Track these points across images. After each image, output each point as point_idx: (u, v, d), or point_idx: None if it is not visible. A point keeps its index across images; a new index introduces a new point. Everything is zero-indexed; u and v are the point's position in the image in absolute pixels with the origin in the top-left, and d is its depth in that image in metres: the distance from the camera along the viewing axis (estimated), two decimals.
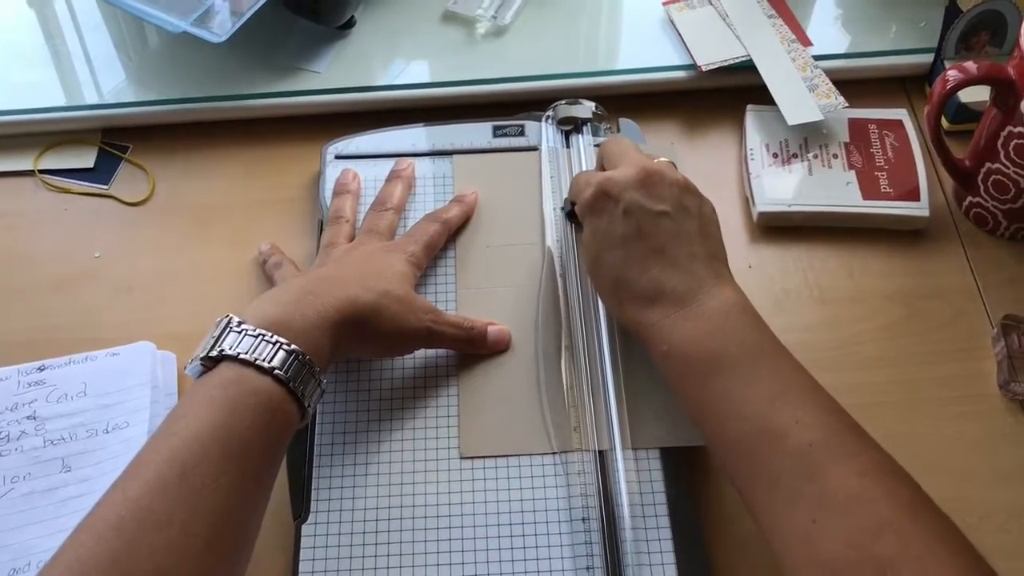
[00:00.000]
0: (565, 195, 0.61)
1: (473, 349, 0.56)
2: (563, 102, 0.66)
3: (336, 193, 0.63)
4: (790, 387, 0.44)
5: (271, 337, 0.44)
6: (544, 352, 0.56)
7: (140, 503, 0.39)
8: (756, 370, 0.44)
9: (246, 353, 0.44)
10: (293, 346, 0.45)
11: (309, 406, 0.46)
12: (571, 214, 0.60)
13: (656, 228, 0.49)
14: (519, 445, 0.53)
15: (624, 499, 0.50)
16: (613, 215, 0.50)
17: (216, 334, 0.45)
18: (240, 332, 0.45)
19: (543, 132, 0.65)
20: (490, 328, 0.56)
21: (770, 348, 0.46)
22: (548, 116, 0.66)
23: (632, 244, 0.49)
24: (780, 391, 0.43)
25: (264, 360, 0.44)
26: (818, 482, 0.40)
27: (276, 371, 0.44)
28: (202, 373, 0.45)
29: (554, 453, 0.52)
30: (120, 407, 0.55)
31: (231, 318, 0.46)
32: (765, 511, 0.42)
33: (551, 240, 0.60)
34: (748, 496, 0.44)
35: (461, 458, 0.52)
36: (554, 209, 0.61)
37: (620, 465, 0.51)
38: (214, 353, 0.44)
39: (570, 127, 0.65)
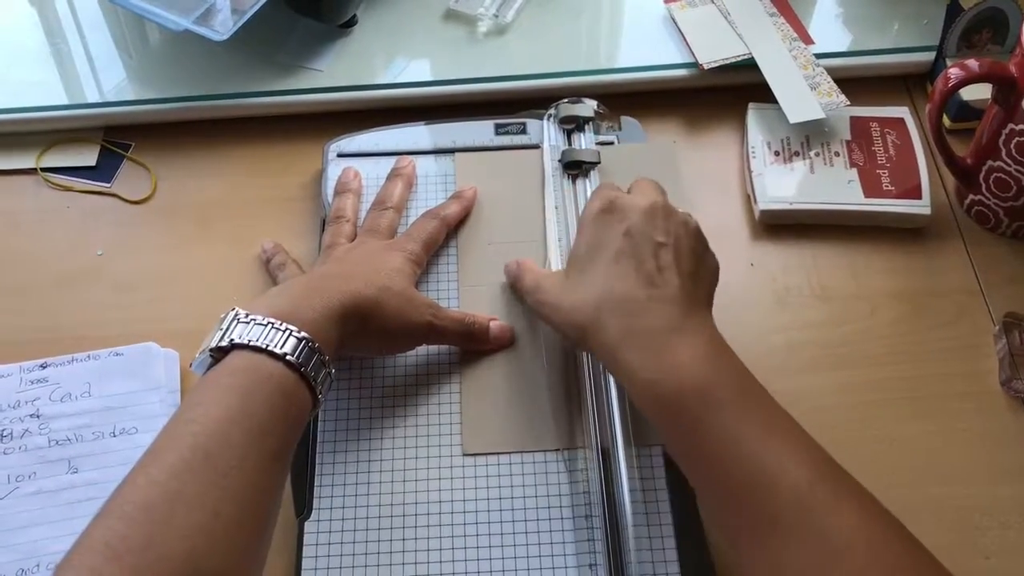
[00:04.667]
0: (568, 202, 0.61)
1: (475, 345, 0.56)
2: (565, 101, 0.66)
3: (337, 192, 0.63)
4: (778, 425, 0.43)
5: (281, 325, 0.45)
6: (547, 348, 0.56)
7: (169, 486, 0.39)
8: (746, 408, 0.43)
9: (257, 340, 0.44)
10: (303, 333, 0.45)
11: (321, 394, 0.46)
12: (569, 164, 0.61)
13: (652, 255, 0.47)
14: (521, 442, 0.53)
15: (627, 496, 0.50)
16: (614, 230, 0.49)
17: (224, 326, 0.45)
18: (248, 322, 0.45)
19: (545, 131, 0.65)
20: (492, 324, 0.56)
21: (755, 386, 0.45)
22: (550, 115, 0.66)
23: (625, 262, 0.47)
24: (770, 429, 0.43)
25: (276, 346, 0.44)
26: (820, 522, 0.39)
27: (288, 356, 0.44)
28: (211, 366, 0.45)
29: (557, 450, 0.52)
30: (126, 411, 0.55)
31: (237, 311, 0.46)
32: (765, 555, 0.40)
33: (552, 237, 0.60)
34: (744, 540, 0.42)
35: (464, 455, 0.52)
36: (555, 207, 0.61)
37: (623, 462, 0.51)
38: (224, 343, 0.44)
39: (572, 126, 0.65)
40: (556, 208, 0.61)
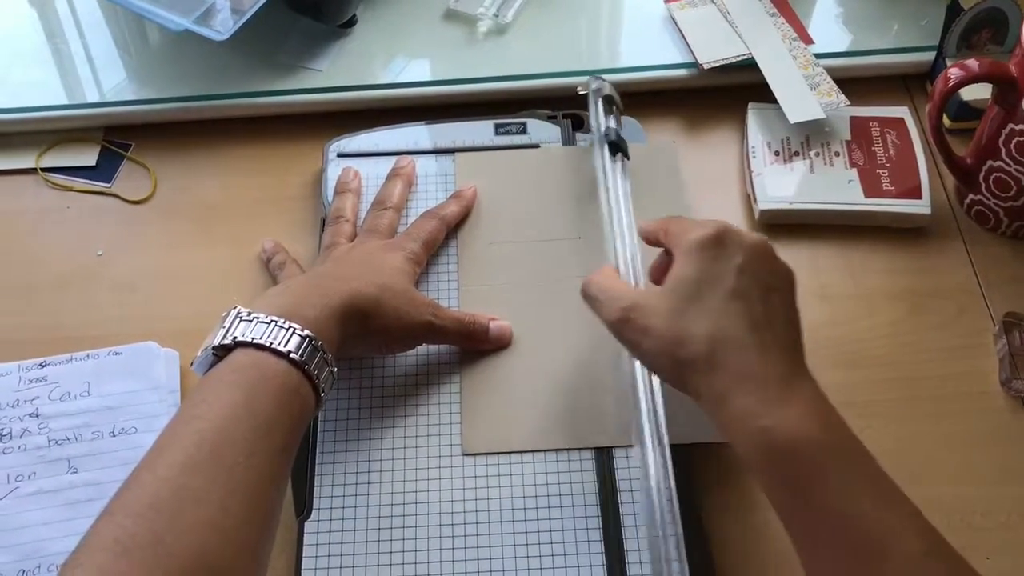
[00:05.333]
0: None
1: (474, 344, 0.56)
2: (598, 77, 0.64)
3: (337, 192, 0.63)
4: (888, 488, 0.42)
5: (284, 323, 0.45)
6: (546, 349, 0.56)
7: (176, 482, 0.39)
8: (858, 467, 0.42)
9: (260, 338, 0.44)
10: (306, 331, 0.45)
11: (323, 393, 0.46)
12: (615, 144, 0.60)
13: (762, 299, 0.45)
14: (521, 442, 0.53)
15: (629, 496, 0.50)
16: (727, 265, 0.45)
17: (226, 324, 0.45)
18: (251, 320, 0.45)
19: (592, 107, 0.63)
20: (492, 324, 0.56)
21: (862, 445, 0.43)
22: (595, 89, 0.64)
23: (738, 303, 0.44)
24: (881, 491, 0.41)
25: (279, 344, 0.44)
26: None
27: (292, 354, 0.44)
28: (212, 364, 0.45)
29: (556, 450, 0.52)
30: (126, 410, 0.55)
31: (239, 309, 0.46)
32: None
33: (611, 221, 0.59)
34: None
35: (463, 455, 0.52)
36: (607, 188, 0.59)
37: (623, 461, 0.51)
38: (227, 341, 0.44)
39: (610, 106, 0.64)
40: (608, 189, 0.59)
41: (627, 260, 0.54)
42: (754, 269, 0.45)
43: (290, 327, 0.45)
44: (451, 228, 0.61)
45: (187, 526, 0.37)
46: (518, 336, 0.56)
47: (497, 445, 0.53)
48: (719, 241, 0.46)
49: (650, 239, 0.50)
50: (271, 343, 0.44)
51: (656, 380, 0.51)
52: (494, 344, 0.56)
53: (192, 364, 0.46)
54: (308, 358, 0.44)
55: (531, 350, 0.56)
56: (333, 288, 0.49)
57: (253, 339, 0.44)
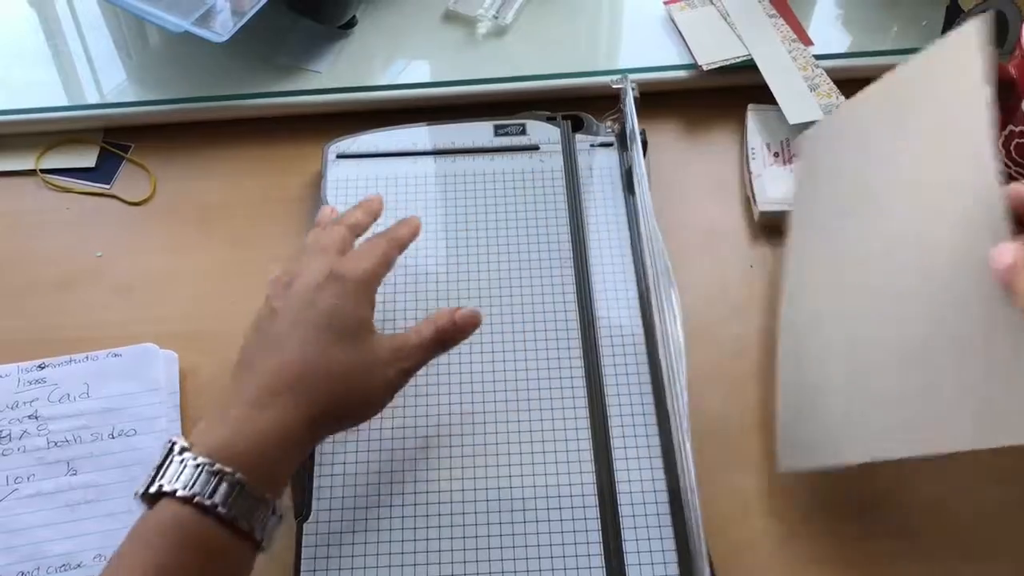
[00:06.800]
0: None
1: (452, 346, 0.51)
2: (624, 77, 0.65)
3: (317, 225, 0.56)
4: None
5: (214, 467, 0.41)
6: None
7: None
8: None
9: (186, 489, 0.41)
10: (238, 475, 0.41)
11: (263, 539, 0.42)
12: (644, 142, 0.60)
13: None
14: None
15: (628, 497, 0.50)
16: None
17: (159, 463, 0.42)
18: (182, 462, 0.42)
19: (628, 111, 0.62)
20: (457, 316, 0.50)
21: None
22: (631, 89, 0.63)
23: None
24: None
25: (205, 496, 0.40)
26: None
27: (218, 508, 0.40)
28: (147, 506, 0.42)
29: (554, 451, 0.52)
30: (125, 412, 0.55)
31: (177, 443, 0.42)
32: None
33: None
34: None
35: (463, 456, 0.52)
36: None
37: (621, 462, 0.51)
38: (152, 489, 0.41)
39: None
40: (644, 184, 0.59)
41: (653, 251, 0.55)
42: None
43: (219, 472, 0.41)
44: (403, 249, 0.53)
45: None
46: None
47: (494, 445, 0.53)
48: None
49: None
50: (195, 496, 0.40)
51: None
52: (468, 334, 0.51)
53: (135, 494, 0.43)
54: (238, 511, 0.41)
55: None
56: (278, 408, 0.44)
57: (176, 491, 0.41)
